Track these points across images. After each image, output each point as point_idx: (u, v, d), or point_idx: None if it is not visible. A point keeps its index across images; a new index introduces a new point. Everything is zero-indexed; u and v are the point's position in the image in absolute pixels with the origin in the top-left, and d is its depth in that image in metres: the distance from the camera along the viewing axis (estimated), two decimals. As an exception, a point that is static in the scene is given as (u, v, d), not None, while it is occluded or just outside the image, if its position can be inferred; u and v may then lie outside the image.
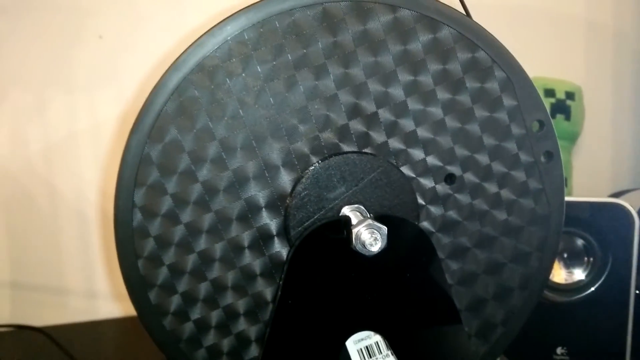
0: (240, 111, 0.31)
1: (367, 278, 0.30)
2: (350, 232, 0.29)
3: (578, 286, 0.47)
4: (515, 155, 0.33)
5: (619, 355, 0.45)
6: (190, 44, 0.30)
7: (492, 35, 0.32)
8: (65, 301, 0.61)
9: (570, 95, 0.64)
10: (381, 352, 0.33)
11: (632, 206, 0.46)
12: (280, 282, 0.30)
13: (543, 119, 0.33)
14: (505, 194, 0.33)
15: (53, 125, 0.58)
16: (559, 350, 0.47)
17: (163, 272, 0.31)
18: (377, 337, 0.33)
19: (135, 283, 0.31)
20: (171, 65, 0.30)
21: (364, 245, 0.28)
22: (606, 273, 0.46)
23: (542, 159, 0.33)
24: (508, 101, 0.33)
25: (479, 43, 0.32)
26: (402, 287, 0.31)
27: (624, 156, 0.72)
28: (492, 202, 0.33)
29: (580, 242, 0.47)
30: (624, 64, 0.69)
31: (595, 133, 0.69)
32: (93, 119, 0.58)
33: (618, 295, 0.46)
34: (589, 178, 0.67)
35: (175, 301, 0.32)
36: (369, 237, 0.28)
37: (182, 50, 0.30)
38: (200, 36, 0.30)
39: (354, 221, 0.29)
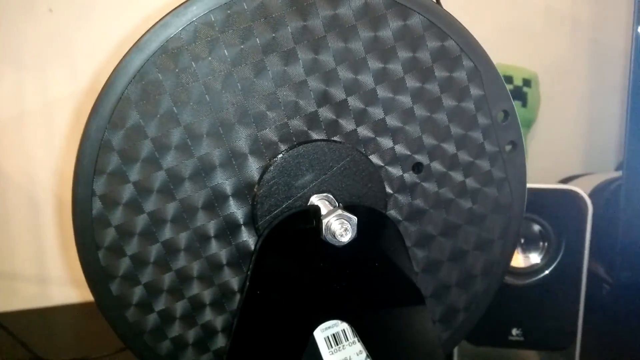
0: (207, 96, 0.30)
1: (335, 267, 0.30)
2: (319, 222, 0.29)
3: (533, 270, 0.48)
4: (481, 145, 0.33)
5: (570, 335, 0.47)
6: (153, 23, 0.29)
7: (461, 24, 0.32)
8: (15, 287, 0.59)
9: (527, 82, 0.65)
10: (347, 339, 0.34)
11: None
12: (248, 273, 0.30)
13: (508, 109, 0.33)
14: (470, 182, 0.34)
15: (0, 104, 0.55)
16: (514, 331, 0.49)
17: (125, 263, 0.30)
18: (344, 325, 0.33)
19: (96, 274, 0.30)
20: (133, 46, 0.29)
21: (334, 235, 0.28)
22: (560, 257, 0.48)
23: (506, 148, 0.34)
24: (475, 91, 0.33)
25: (449, 32, 0.32)
26: (371, 276, 0.31)
27: (575, 142, 0.75)
28: (457, 191, 0.34)
29: (536, 227, 0.48)
30: (579, 52, 0.71)
31: (548, 119, 0.71)
32: (44, 98, 0.56)
33: (571, 278, 0.47)
34: (541, 163, 0.69)
35: (138, 292, 0.31)
36: (339, 227, 0.28)
37: (145, 30, 0.29)
38: (165, 16, 0.29)
39: (323, 211, 0.29)
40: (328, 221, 0.28)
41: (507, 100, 0.33)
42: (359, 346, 0.34)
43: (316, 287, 0.30)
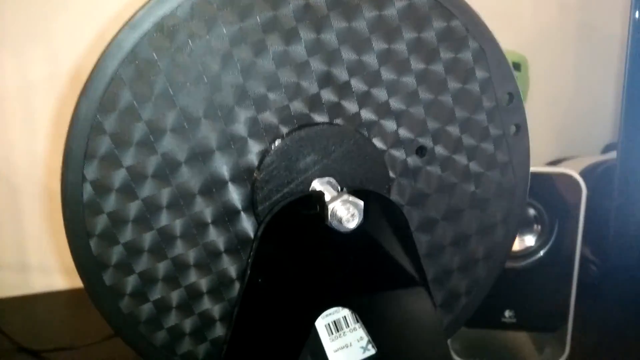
0: (204, 77, 0.28)
1: (340, 254, 0.29)
2: (324, 208, 0.28)
3: (527, 252, 0.48)
4: (485, 128, 0.33)
5: (562, 316, 0.48)
6: (147, 0, 0.27)
7: (467, 3, 0.31)
8: (-6, 275, 0.57)
9: (516, 66, 0.65)
10: (348, 326, 0.33)
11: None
12: (249, 260, 0.29)
13: (513, 92, 0.33)
14: (474, 166, 0.33)
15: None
16: (506, 313, 0.49)
17: (118, 251, 0.29)
18: (345, 312, 0.32)
19: (87, 263, 0.29)
20: (126, 23, 0.27)
21: (340, 221, 0.27)
22: (553, 240, 0.48)
23: (510, 131, 0.33)
24: (480, 73, 0.32)
25: (455, 11, 0.31)
26: (375, 262, 0.30)
27: (562, 126, 0.75)
28: (461, 175, 0.33)
29: (530, 210, 0.48)
30: (568, 36, 0.71)
31: (536, 103, 0.71)
32: (22, 81, 0.53)
33: (563, 261, 0.48)
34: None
35: (132, 282, 0.29)
36: (346, 213, 0.27)
37: (139, 7, 0.27)
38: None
39: (328, 197, 0.28)
40: (334, 207, 0.27)
41: (512, 83, 0.32)
42: (359, 332, 0.33)
43: (320, 274, 0.29)
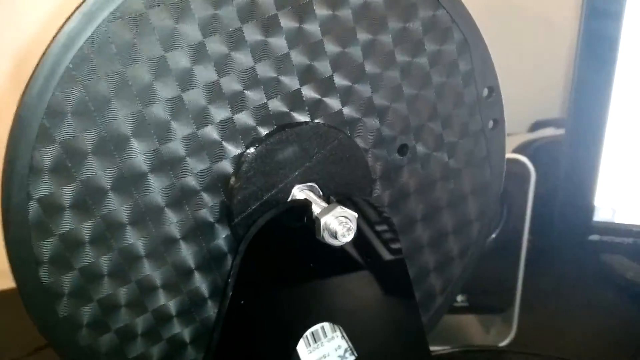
0: (171, 72, 0.24)
1: (329, 268, 0.27)
2: (312, 220, 0.25)
3: (478, 237, 0.49)
4: (465, 123, 0.31)
5: (509, 299, 0.49)
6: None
7: (454, -8, 0.29)
8: None
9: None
10: (326, 336, 0.31)
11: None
12: (230, 280, 0.26)
13: (493, 86, 0.31)
14: (453, 163, 0.32)
15: None
16: (459, 297, 0.49)
17: (73, 278, 0.25)
18: (324, 322, 0.30)
19: (37, 294, 0.24)
20: (77, 8, 0.22)
21: (335, 236, 0.24)
22: (502, 224, 0.49)
23: (489, 125, 0.32)
24: (463, 66, 0.30)
25: (443, 2, 0.29)
26: (363, 273, 0.28)
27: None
28: (440, 173, 0.32)
29: (483, 195, 0.48)
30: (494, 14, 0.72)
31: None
32: None
33: (512, 245, 0.48)
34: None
35: (90, 311, 0.25)
36: (342, 228, 0.24)
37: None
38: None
39: (317, 208, 0.25)
40: (326, 221, 0.25)
41: (493, 76, 0.31)
42: (337, 341, 0.31)
43: (306, 290, 0.27)
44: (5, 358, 0.43)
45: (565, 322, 0.50)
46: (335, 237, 0.25)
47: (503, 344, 0.48)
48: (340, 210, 0.25)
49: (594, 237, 0.48)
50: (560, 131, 0.70)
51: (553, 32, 0.75)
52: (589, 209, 0.47)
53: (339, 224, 0.24)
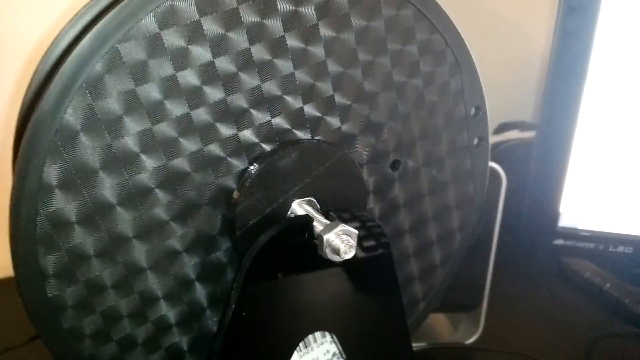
0: (182, 92, 0.24)
1: (329, 282, 0.28)
2: (314, 236, 0.26)
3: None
4: (454, 140, 0.33)
5: (478, 297, 0.51)
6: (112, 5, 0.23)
7: (448, 17, 0.30)
8: None
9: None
10: (316, 341, 0.32)
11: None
12: (234, 292, 0.26)
13: (480, 105, 0.33)
14: (441, 177, 0.33)
15: None
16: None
17: (78, 290, 0.25)
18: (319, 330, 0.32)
19: (42, 306, 0.24)
20: (90, 33, 0.22)
21: (338, 252, 0.26)
22: (479, 231, 0.51)
23: (474, 142, 0.34)
24: (454, 86, 0.32)
25: (437, 25, 0.30)
26: (359, 287, 0.29)
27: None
28: (429, 187, 0.33)
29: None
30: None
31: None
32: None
33: (482, 246, 0.51)
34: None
35: (93, 322, 0.26)
36: (344, 245, 0.25)
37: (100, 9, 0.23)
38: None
39: (319, 226, 0.26)
40: (328, 238, 0.26)
41: (480, 96, 0.33)
42: (326, 345, 0.33)
43: (304, 301, 0.28)
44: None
45: (529, 320, 0.52)
46: (338, 254, 0.26)
47: (470, 341, 0.51)
48: (342, 227, 0.26)
49: (559, 242, 0.50)
50: (526, 134, 0.73)
51: (521, 36, 0.77)
52: (555, 215, 0.50)
53: (341, 242, 0.26)
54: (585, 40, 0.45)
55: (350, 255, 0.26)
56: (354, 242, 0.26)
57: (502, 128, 0.79)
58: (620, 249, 0.49)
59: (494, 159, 0.69)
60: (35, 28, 0.45)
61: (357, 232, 0.26)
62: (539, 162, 0.51)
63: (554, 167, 0.49)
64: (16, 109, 0.28)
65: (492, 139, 0.72)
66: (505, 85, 0.78)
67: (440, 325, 0.53)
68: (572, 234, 0.50)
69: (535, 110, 0.79)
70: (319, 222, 0.27)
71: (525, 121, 0.77)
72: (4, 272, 0.49)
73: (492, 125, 0.80)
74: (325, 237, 0.26)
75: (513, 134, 0.75)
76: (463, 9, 0.72)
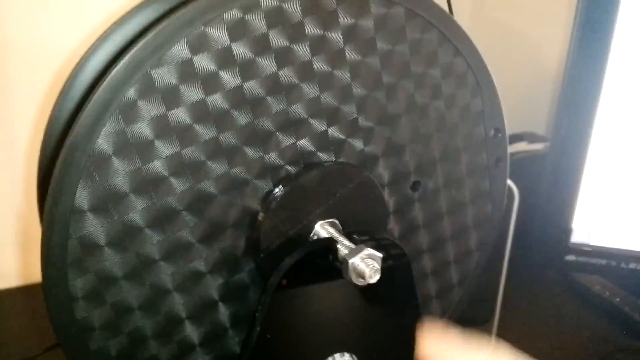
0: (211, 115, 0.25)
1: (347, 301, 0.28)
2: (338, 259, 0.27)
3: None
4: (473, 161, 0.33)
5: (489, 313, 0.51)
6: (145, 32, 0.23)
7: (471, 40, 0.30)
8: None
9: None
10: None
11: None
12: (259, 315, 0.27)
13: (500, 127, 0.33)
14: (460, 197, 0.34)
15: None
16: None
17: (106, 312, 0.25)
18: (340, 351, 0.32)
19: (70, 328, 0.25)
20: (125, 58, 0.22)
21: (362, 276, 0.26)
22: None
23: (494, 164, 0.34)
24: (475, 107, 0.32)
25: (460, 48, 0.30)
26: (382, 309, 0.29)
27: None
28: (447, 207, 0.33)
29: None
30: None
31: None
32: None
33: (494, 263, 0.51)
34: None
35: (120, 343, 0.26)
36: (369, 269, 0.26)
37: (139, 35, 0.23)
38: (163, 21, 0.23)
39: (344, 249, 0.27)
40: (354, 262, 0.26)
41: (500, 118, 0.33)
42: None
43: (328, 323, 0.28)
44: (15, 358, 0.42)
45: (540, 334, 0.53)
46: (363, 278, 0.26)
47: (482, 355, 0.51)
48: (368, 252, 0.26)
49: (570, 258, 0.51)
50: (534, 146, 0.74)
51: (532, 48, 0.78)
52: (567, 232, 0.50)
53: (366, 266, 0.26)
54: (601, 54, 0.46)
55: (375, 279, 0.26)
56: (378, 266, 0.26)
57: (510, 139, 0.80)
58: (632, 265, 0.49)
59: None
60: (67, 39, 0.45)
61: (381, 255, 0.26)
62: (551, 178, 0.51)
63: (567, 183, 0.49)
64: (45, 119, 0.28)
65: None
66: (512, 96, 0.79)
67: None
68: (584, 250, 0.50)
69: (545, 122, 0.79)
70: (343, 245, 0.27)
71: (534, 132, 0.77)
72: (19, 281, 0.50)
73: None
74: (351, 261, 0.26)
75: (521, 146, 0.76)
76: (477, 23, 0.72)
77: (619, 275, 0.52)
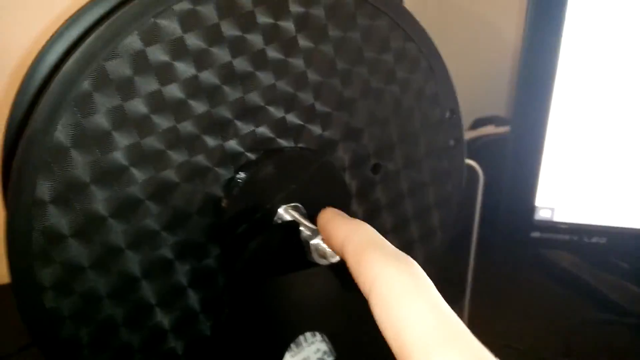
0: (168, 106, 0.25)
1: (313, 281, 0.29)
2: (301, 241, 0.28)
3: (432, 237, 0.52)
4: (431, 143, 0.34)
5: (461, 292, 0.53)
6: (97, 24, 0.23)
7: (421, 25, 0.32)
8: None
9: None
10: (307, 341, 0.33)
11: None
12: (226, 298, 0.27)
13: (454, 108, 0.35)
14: (420, 178, 0.35)
15: None
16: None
17: (74, 301, 0.26)
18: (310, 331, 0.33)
19: (40, 318, 0.25)
20: (76, 54, 0.23)
21: (324, 256, 0.27)
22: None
23: (451, 144, 0.35)
24: (429, 91, 0.33)
25: (411, 33, 0.31)
26: (343, 284, 0.30)
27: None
28: (408, 188, 0.34)
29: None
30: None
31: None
32: None
33: (461, 242, 0.53)
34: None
35: (91, 332, 0.27)
36: (330, 250, 0.27)
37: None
38: (115, 13, 0.24)
39: (306, 230, 0.28)
40: (315, 242, 0.27)
41: (454, 100, 0.34)
42: (316, 345, 0.34)
43: (296, 304, 0.29)
44: None
45: (511, 311, 0.54)
46: (325, 258, 0.27)
47: (455, 334, 0.52)
48: (328, 231, 0.27)
49: (535, 234, 0.52)
50: (501, 129, 0.75)
51: (491, 31, 0.80)
52: (531, 209, 0.52)
53: (327, 246, 0.27)
54: (555, 33, 0.47)
55: (337, 259, 0.27)
56: (339, 245, 0.27)
57: (477, 123, 0.81)
58: (595, 239, 0.51)
59: (470, 155, 0.71)
60: (24, 36, 0.45)
61: (341, 234, 0.27)
62: (513, 157, 0.53)
63: (529, 162, 0.51)
64: (3, 116, 0.28)
65: (468, 135, 0.75)
66: (479, 80, 0.80)
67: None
68: (548, 226, 0.52)
69: (508, 105, 0.81)
70: (306, 227, 0.28)
71: (500, 116, 0.79)
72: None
73: (467, 121, 0.83)
74: (312, 242, 0.27)
75: (489, 129, 0.77)
76: (434, 6, 0.74)
77: (583, 249, 0.54)
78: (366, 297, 0.21)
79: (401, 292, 0.20)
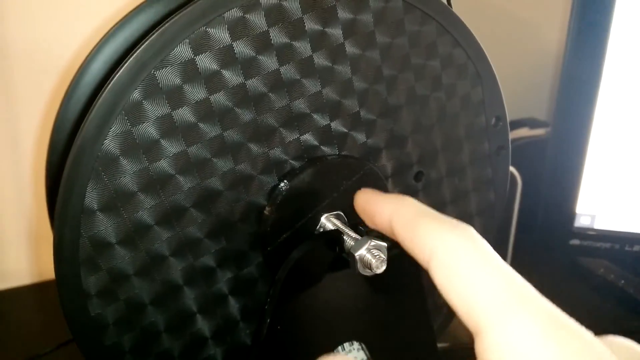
0: (215, 114, 0.25)
1: (354, 291, 0.29)
2: (344, 250, 0.27)
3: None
4: (475, 150, 0.33)
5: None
6: (149, 33, 0.23)
7: (470, 30, 0.31)
8: None
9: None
10: (344, 349, 0.33)
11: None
12: (269, 307, 0.27)
13: (501, 115, 0.34)
14: (463, 186, 0.34)
15: None
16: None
17: (119, 308, 0.26)
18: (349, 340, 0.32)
19: (85, 325, 0.25)
20: (129, 59, 0.23)
21: (370, 267, 0.26)
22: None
23: (495, 152, 0.34)
24: (475, 97, 0.32)
25: (459, 38, 0.30)
26: (384, 294, 0.30)
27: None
28: (451, 196, 0.34)
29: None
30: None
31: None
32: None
33: (500, 242, 0.52)
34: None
35: (134, 338, 0.27)
36: (375, 261, 0.26)
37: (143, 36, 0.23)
38: (165, 24, 0.23)
39: (350, 241, 0.27)
40: (360, 254, 0.26)
41: (501, 107, 0.33)
42: (354, 353, 0.33)
43: (336, 313, 0.29)
44: (28, 354, 0.43)
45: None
46: (370, 269, 0.26)
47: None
48: (373, 243, 0.26)
49: (575, 242, 0.51)
50: (535, 131, 0.74)
51: (530, 33, 0.78)
52: (571, 216, 0.51)
53: (372, 257, 0.26)
54: (601, 36, 0.46)
55: (382, 269, 0.26)
56: (384, 257, 0.26)
57: (511, 125, 0.80)
58: (637, 247, 0.50)
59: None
60: (70, 41, 0.46)
61: (386, 245, 0.27)
62: (553, 163, 0.51)
63: (570, 168, 0.50)
64: (50, 121, 0.29)
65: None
66: (512, 82, 0.79)
67: (461, 326, 0.54)
68: (588, 234, 0.51)
69: (546, 107, 0.79)
70: (349, 237, 0.27)
71: (536, 118, 0.77)
72: (29, 279, 0.50)
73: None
74: (357, 253, 0.26)
75: (523, 132, 0.76)
76: (476, 7, 0.72)
77: (623, 258, 0.52)
78: (425, 267, 0.21)
79: (466, 258, 0.20)
